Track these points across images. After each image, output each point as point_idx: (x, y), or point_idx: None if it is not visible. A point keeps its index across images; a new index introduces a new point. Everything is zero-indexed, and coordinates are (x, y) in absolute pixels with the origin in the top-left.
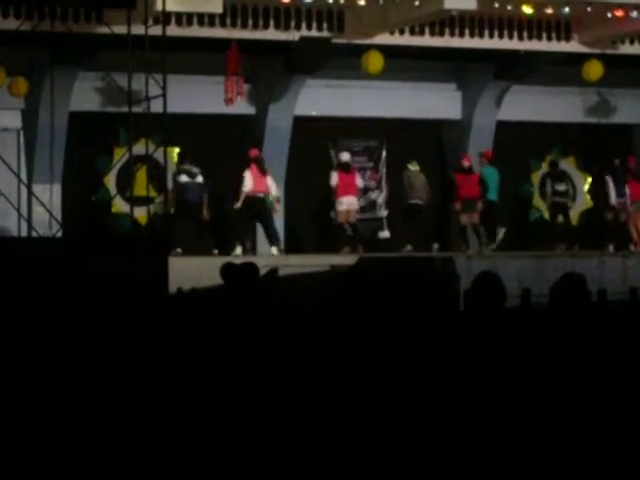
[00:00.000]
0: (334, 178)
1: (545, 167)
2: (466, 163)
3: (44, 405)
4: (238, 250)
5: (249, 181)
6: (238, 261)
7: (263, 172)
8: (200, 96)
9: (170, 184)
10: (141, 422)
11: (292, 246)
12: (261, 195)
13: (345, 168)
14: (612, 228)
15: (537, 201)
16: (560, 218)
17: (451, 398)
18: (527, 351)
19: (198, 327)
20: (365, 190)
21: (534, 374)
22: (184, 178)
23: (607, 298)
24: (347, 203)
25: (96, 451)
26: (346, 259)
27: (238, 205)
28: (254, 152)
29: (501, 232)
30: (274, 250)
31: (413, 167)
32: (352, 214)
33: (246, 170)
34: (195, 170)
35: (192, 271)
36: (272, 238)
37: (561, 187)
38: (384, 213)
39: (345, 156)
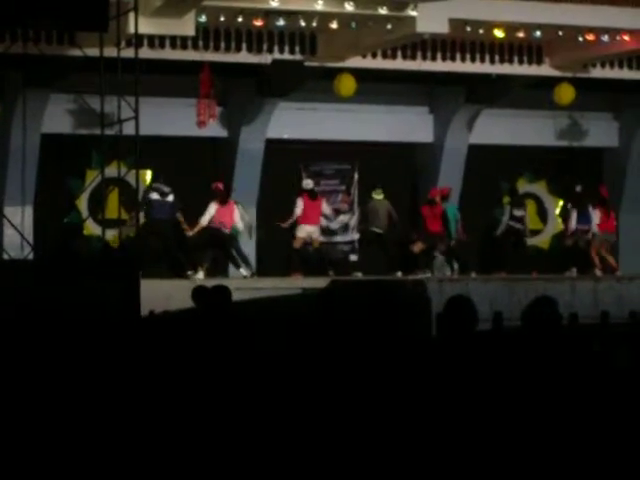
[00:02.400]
0: (299, 206)
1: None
2: (432, 196)
3: (13, 425)
4: (200, 275)
5: (208, 214)
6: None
7: (224, 204)
8: (172, 119)
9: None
10: (113, 443)
11: (264, 269)
12: (225, 231)
13: (312, 195)
14: (573, 253)
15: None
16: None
17: (422, 421)
18: (499, 375)
19: (171, 350)
20: (337, 213)
21: (506, 397)
22: (155, 196)
23: (579, 322)
24: (307, 231)
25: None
26: (318, 282)
27: (190, 233)
28: (217, 186)
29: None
30: (243, 271)
31: (377, 196)
32: (315, 242)
33: (212, 202)
34: (166, 189)
35: (163, 293)
36: (240, 264)
37: (519, 212)
38: (355, 236)
39: (309, 183)
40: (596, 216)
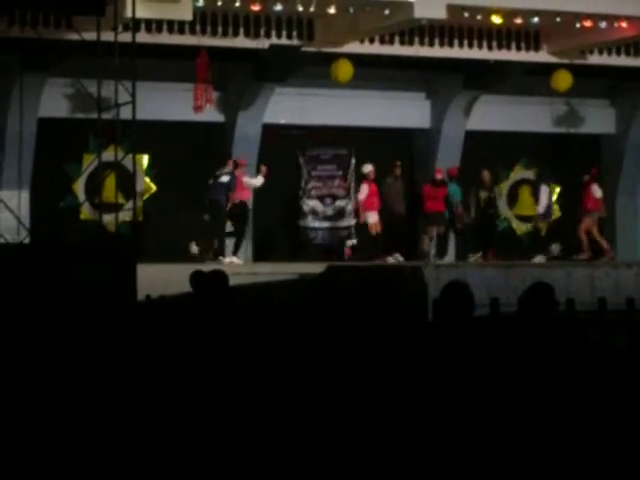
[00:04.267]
0: (363, 191)
1: (513, 176)
2: (438, 176)
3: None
4: (235, 259)
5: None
6: (206, 268)
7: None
8: (169, 103)
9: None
10: (109, 430)
11: (261, 253)
12: (245, 200)
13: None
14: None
15: (505, 210)
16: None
17: (420, 406)
18: (496, 360)
19: (167, 335)
20: (334, 198)
21: (503, 383)
22: (210, 181)
23: (575, 308)
24: (372, 216)
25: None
26: (315, 267)
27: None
28: (241, 161)
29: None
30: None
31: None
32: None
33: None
34: (219, 172)
35: (160, 278)
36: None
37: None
38: (352, 222)
39: (367, 167)
40: (595, 192)
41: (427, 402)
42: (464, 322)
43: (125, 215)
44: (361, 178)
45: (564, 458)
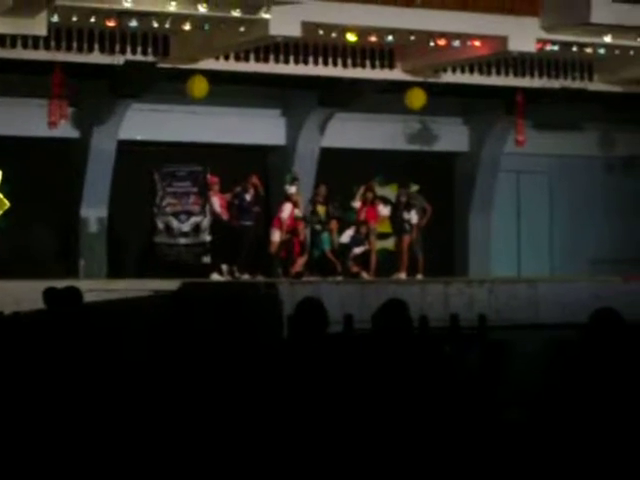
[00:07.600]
0: (286, 210)
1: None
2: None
3: None
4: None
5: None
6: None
7: None
8: (23, 119)
9: None
10: None
11: (115, 270)
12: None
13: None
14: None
15: None
16: None
17: (274, 421)
18: (349, 376)
19: (20, 351)
20: (189, 215)
21: (356, 398)
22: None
23: (429, 324)
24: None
25: None
26: (169, 284)
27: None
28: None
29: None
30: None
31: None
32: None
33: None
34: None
35: (13, 294)
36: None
37: None
38: (207, 238)
39: (292, 189)
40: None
41: (281, 416)
42: (318, 338)
43: None
44: (285, 198)
45: (420, 471)
